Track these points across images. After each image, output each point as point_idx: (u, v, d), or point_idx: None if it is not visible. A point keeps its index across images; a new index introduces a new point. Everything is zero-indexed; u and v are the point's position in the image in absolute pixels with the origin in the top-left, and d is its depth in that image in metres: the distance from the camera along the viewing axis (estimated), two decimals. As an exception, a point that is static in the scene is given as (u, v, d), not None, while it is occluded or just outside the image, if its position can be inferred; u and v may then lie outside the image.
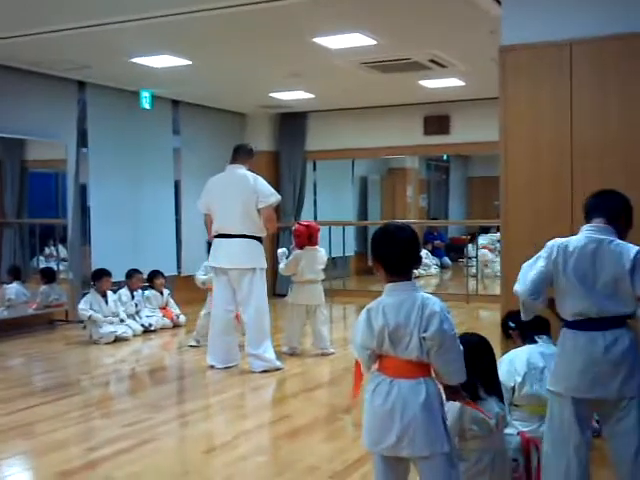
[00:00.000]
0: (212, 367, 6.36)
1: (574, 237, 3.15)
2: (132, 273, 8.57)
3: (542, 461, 3.26)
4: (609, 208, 3.15)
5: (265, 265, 6.37)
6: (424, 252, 14.14)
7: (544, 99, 4.65)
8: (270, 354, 6.30)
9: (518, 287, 3.18)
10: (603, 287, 3.03)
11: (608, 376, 3.03)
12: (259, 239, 6.29)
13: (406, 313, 2.62)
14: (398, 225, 2.80)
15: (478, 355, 3.22)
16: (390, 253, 2.69)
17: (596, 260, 3.05)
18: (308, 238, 6.96)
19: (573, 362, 3.08)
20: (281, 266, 7.04)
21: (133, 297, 8.41)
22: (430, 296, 2.68)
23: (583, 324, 3.06)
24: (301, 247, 6.96)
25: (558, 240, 3.15)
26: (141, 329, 8.17)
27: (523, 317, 3.28)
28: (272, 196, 6.25)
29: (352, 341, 2.85)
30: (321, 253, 7.09)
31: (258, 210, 6.18)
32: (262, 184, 6.24)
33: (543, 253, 3.15)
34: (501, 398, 3.31)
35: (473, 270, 13.00)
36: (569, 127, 4.57)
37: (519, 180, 4.75)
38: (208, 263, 6.49)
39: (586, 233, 3.13)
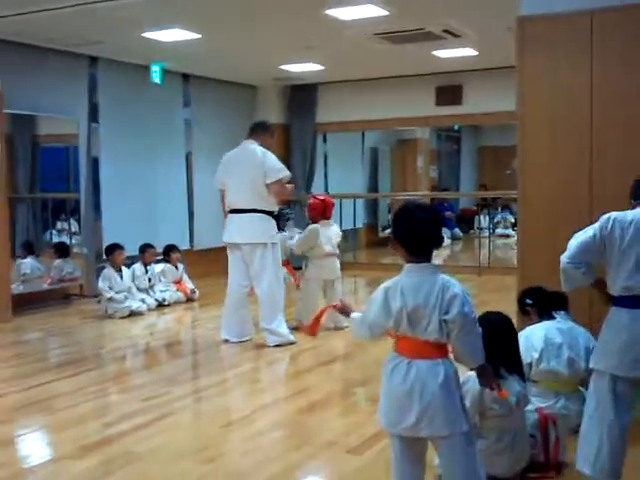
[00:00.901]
0: (226, 341, 6.41)
1: (632, 211, 3.05)
2: (145, 248, 8.58)
3: (579, 436, 3.22)
4: None
5: (277, 239, 6.38)
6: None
7: (563, 71, 4.58)
8: (283, 329, 6.33)
9: (563, 255, 3.10)
10: None
11: None
12: (270, 213, 6.28)
13: (425, 295, 2.59)
14: (419, 204, 2.77)
15: (500, 334, 3.22)
16: (410, 233, 2.67)
17: None
18: (323, 212, 6.94)
19: (615, 340, 3.02)
20: (293, 242, 7.01)
21: (147, 271, 8.44)
22: (450, 278, 2.65)
23: (629, 301, 2.99)
24: (315, 221, 6.95)
25: (614, 213, 3.04)
26: (155, 303, 8.21)
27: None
28: (280, 172, 6.23)
29: (359, 317, 2.81)
30: (335, 227, 7.10)
31: (267, 185, 6.17)
32: (271, 159, 6.23)
33: (596, 224, 3.04)
34: (522, 376, 3.32)
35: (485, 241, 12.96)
36: (589, 99, 4.51)
37: (537, 153, 4.70)
38: (224, 239, 6.42)
39: None
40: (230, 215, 6.32)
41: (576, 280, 3.14)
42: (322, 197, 7.23)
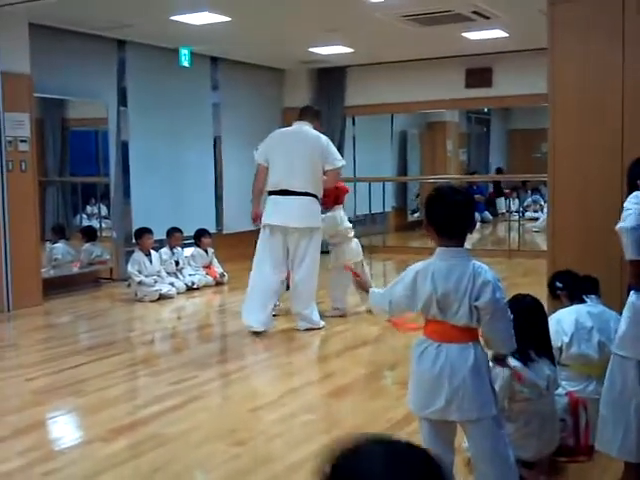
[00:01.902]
0: (257, 333, 6.09)
1: None
2: (172, 231, 8.62)
3: (598, 422, 3.22)
4: None
5: (321, 225, 6.33)
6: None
7: (595, 52, 4.50)
8: (316, 315, 6.30)
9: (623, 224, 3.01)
10: None
11: None
12: (319, 199, 6.21)
13: (456, 280, 2.58)
14: (453, 187, 2.75)
15: (530, 317, 3.19)
16: (443, 216, 2.65)
17: None
18: (335, 198, 6.80)
19: None
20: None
21: (173, 255, 8.47)
22: (482, 264, 2.64)
23: None
24: (327, 206, 6.79)
25: None
26: (185, 287, 8.24)
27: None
28: (340, 161, 6.22)
29: (380, 292, 2.81)
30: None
31: (324, 171, 6.12)
32: (332, 146, 6.22)
33: (632, 205, 3.00)
34: (552, 360, 3.28)
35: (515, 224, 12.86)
36: (621, 81, 4.43)
37: (568, 136, 4.63)
38: (266, 221, 6.10)
39: None
40: (274, 197, 6.06)
41: None
42: (336, 184, 7.09)
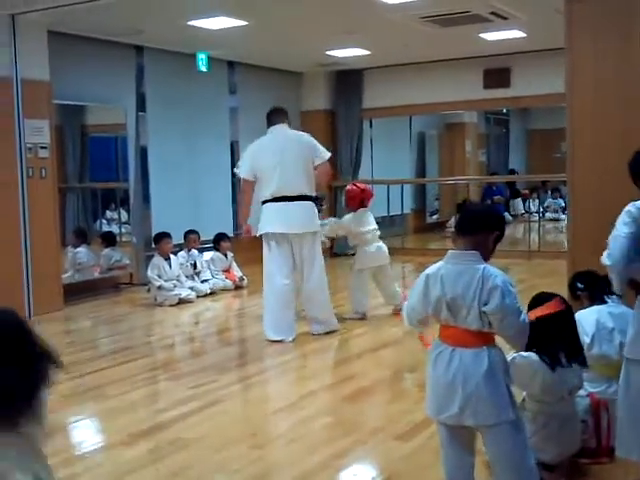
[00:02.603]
0: (280, 341, 5.99)
1: None
2: (188, 233, 8.66)
3: (617, 428, 3.19)
4: None
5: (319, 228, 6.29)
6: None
7: (612, 52, 4.49)
8: (332, 317, 6.28)
9: (610, 260, 2.97)
10: None
11: None
12: (314, 200, 6.14)
13: (465, 285, 2.57)
14: (485, 205, 2.78)
15: (558, 318, 3.17)
16: (461, 217, 2.70)
17: None
18: (360, 202, 6.80)
19: None
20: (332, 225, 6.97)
21: (190, 257, 8.46)
22: (493, 268, 2.61)
23: None
24: (352, 209, 6.82)
25: (637, 203, 2.98)
26: (205, 290, 8.24)
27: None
28: (326, 152, 6.13)
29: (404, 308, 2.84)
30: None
31: (315, 167, 6.06)
32: (314, 140, 6.14)
33: (626, 218, 2.98)
34: (584, 363, 3.23)
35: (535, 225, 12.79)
36: (638, 78, 4.40)
37: (586, 136, 4.61)
38: (268, 230, 5.99)
39: None
40: (272, 204, 5.96)
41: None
42: (362, 186, 7.05)
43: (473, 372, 2.56)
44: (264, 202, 6.03)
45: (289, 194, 5.95)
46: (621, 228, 2.96)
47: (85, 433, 4.22)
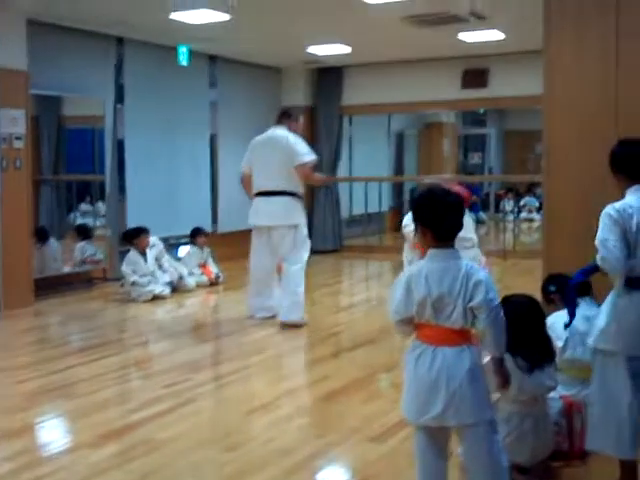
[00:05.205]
0: (251, 317, 6.61)
1: (629, 199, 3.06)
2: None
3: (589, 423, 3.20)
4: None
5: (305, 221, 6.61)
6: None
7: (590, 54, 4.52)
8: (300, 309, 6.40)
9: (607, 265, 3.02)
10: None
11: None
12: (298, 196, 6.48)
13: (450, 282, 2.58)
14: (445, 190, 2.74)
15: (528, 318, 3.17)
16: (440, 219, 2.64)
17: None
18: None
19: (630, 320, 3.02)
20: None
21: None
22: (474, 264, 2.65)
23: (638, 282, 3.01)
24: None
25: (615, 205, 3.04)
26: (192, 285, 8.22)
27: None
28: (306, 155, 6.41)
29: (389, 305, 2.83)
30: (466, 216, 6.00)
31: (295, 168, 6.36)
32: (298, 144, 6.43)
33: (608, 222, 3.02)
34: (553, 360, 3.24)
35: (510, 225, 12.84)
36: (615, 83, 4.42)
37: (562, 137, 4.65)
38: (250, 221, 6.58)
39: None
40: (257, 198, 6.47)
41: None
42: (457, 188, 6.00)
43: (456, 371, 2.57)
44: (255, 196, 6.53)
45: (271, 189, 6.39)
46: (607, 233, 3.01)
47: (53, 433, 4.14)
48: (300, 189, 6.50)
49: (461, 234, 6.13)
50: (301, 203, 6.55)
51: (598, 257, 3.02)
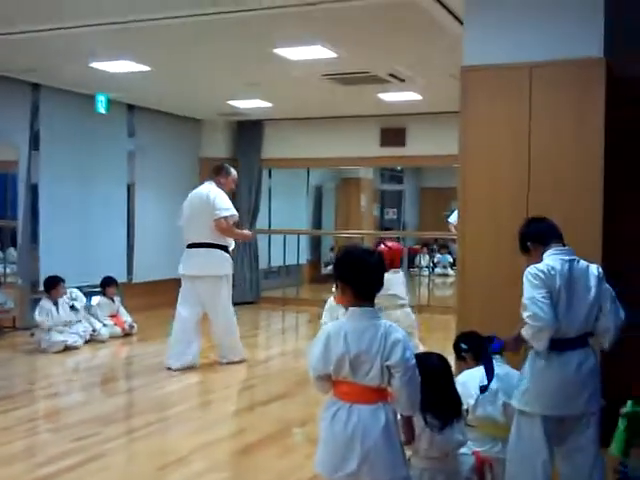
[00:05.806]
0: (169, 369, 6.61)
1: (549, 261, 3.21)
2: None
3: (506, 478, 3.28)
4: (558, 231, 3.36)
5: (231, 272, 6.89)
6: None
7: (504, 119, 4.69)
8: (239, 347, 6.95)
9: (538, 321, 3.11)
10: (581, 306, 3.16)
11: (577, 393, 3.17)
12: (224, 248, 6.77)
13: (369, 341, 2.61)
14: (366, 249, 2.81)
15: (439, 378, 3.22)
16: (361, 278, 2.68)
17: (574, 281, 3.17)
18: (391, 262, 5.59)
19: (547, 382, 3.16)
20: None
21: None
22: (392, 324, 2.68)
23: (558, 344, 3.14)
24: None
25: (538, 266, 3.19)
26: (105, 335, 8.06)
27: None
28: (225, 210, 6.67)
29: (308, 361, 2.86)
30: (401, 274, 5.89)
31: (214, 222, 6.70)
32: (220, 199, 6.71)
33: (534, 281, 3.15)
34: (460, 416, 3.30)
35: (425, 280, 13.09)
36: (527, 146, 4.62)
37: (477, 196, 4.77)
38: (180, 271, 6.85)
39: (560, 256, 3.23)
40: (187, 249, 6.81)
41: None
42: (390, 244, 5.96)
43: (371, 428, 2.59)
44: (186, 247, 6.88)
45: (197, 242, 6.75)
46: (534, 291, 3.13)
47: (-44, 489, 3.98)
48: (227, 242, 6.80)
49: (393, 292, 6.15)
50: (226, 255, 6.78)
51: (525, 315, 3.12)
